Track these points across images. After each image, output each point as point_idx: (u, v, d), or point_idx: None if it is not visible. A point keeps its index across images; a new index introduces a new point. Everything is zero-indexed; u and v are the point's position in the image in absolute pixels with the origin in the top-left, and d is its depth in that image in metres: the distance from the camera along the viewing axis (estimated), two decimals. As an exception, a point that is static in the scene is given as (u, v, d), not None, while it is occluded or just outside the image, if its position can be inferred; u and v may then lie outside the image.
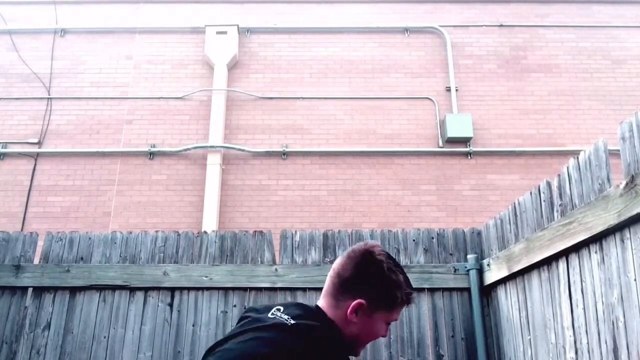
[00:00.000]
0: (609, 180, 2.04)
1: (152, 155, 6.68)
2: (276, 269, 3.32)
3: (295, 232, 3.44)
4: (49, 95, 6.98)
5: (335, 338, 1.29)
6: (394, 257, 1.48)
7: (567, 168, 2.34)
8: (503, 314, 2.97)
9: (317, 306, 1.40)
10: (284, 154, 6.71)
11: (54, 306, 3.24)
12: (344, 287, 1.37)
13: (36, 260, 3.40)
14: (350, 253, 1.41)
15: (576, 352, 2.20)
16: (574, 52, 7.23)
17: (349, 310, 1.34)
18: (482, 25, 7.39)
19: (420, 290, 3.14)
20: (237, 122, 6.90)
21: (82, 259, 3.35)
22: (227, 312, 3.27)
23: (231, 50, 7.10)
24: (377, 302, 1.35)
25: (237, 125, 6.88)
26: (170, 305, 3.29)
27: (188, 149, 6.65)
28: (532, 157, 6.69)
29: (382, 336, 1.42)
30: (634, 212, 1.80)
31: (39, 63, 7.10)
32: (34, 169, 6.64)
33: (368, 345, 3.21)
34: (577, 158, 2.27)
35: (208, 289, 3.30)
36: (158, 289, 3.30)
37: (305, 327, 1.24)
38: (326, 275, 1.73)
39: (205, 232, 3.52)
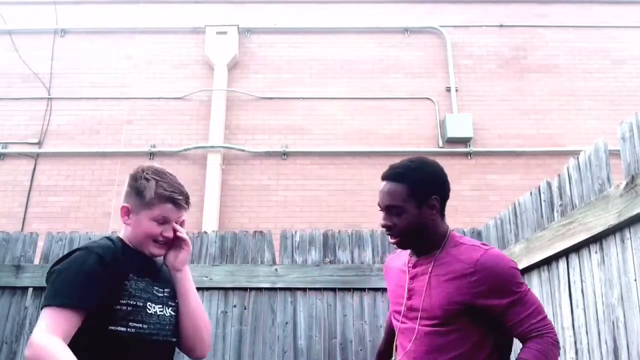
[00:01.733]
0: (609, 180, 2.04)
1: (152, 155, 6.68)
2: (276, 269, 3.32)
3: (296, 232, 3.44)
4: (49, 95, 6.98)
5: (94, 242, 1.65)
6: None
7: (567, 168, 2.34)
8: (503, 314, 2.96)
9: None
10: (284, 154, 6.71)
11: (54, 306, 3.23)
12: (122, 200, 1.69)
13: (36, 261, 3.40)
14: None
15: (576, 352, 2.20)
16: (574, 52, 7.23)
17: (121, 216, 1.66)
18: (482, 26, 7.38)
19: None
20: (237, 122, 6.90)
21: (82, 259, 3.34)
22: (227, 312, 3.27)
23: (231, 51, 7.10)
24: (136, 202, 1.63)
25: (237, 126, 6.88)
26: (171, 305, 3.29)
27: (188, 149, 6.65)
28: (532, 157, 6.69)
29: (163, 235, 1.63)
30: (634, 212, 1.80)
31: (39, 63, 7.10)
32: (34, 169, 6.63)
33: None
34: (577, 158, 2.27)
35: (208, 289, 3.30)
36: (158, 289, 3.30)
37: None
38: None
39: (205, 232, 3.52)
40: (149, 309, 1.58)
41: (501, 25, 7.37)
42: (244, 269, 3.32)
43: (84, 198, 6.51)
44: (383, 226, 1.69)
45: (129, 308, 1.53)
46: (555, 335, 1.55)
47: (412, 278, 1.68)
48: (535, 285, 2.59)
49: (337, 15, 7.44)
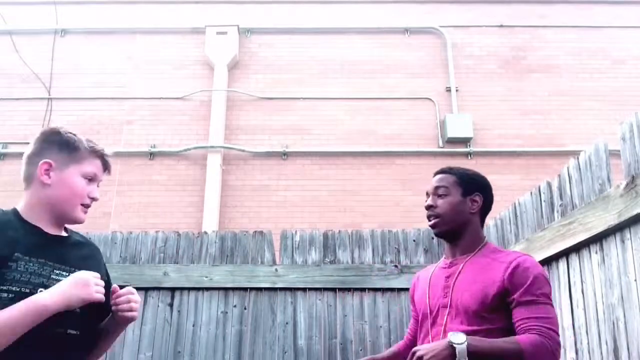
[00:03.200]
0: (609, 180, 2.04)
1: (152, 155, 6.67)
2: (276, 269, 3.32)
3: (296, 232, 3.44)
4: (49, 95, 6.98)
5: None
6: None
7: (568, 168, 2.34)
8: (503, 314, 2.96)
9: None
10: (284, 155, 6.71)
11: (54, 306, 3.23)
12: (29, 162, 1.49)
13: (36, 261, 3.39)
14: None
15: (576, 353, 2.20)
16: (574, 53, 7.23)
17: (39, 174, 1.44)
18: (482, 26, 7.38)
19: (420, 290, 3.13)
20: (237, 122, 6.90)
21: (82, 259, 3.34)
22: (227, 312, 3.27)
23: (231, 51, 7.10)
24: (61, 156, 1.45)
25: (238, 126, 6.88)
26: (171, 305, 3.29)
27: (188, 150, 6.65)
28: (533, 158, 6.69)
29: (91, 197, 1.50)
30: (635, 213, 1.80)
31: (39, 63, 7.09)
32: (34, 169, 6.63)
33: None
34: (578, 158, 2.27)
35: (208, 289, 3.30)
36: (158, 289, 3.30)
37: None
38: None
39: (206, 233, 3.52)
40: None
41: (501, 26, 7.37)
42: (244, 269, 3.32)
43: (84, 198, 6.50)
44: (426, 207, 1.76)
45: (10, 295, 1.28)
46: (555, 343, 1.51)
47: (447, 277, 1.71)
48: (536, 286, 2.59)
49: (337, 15, 7.44)
